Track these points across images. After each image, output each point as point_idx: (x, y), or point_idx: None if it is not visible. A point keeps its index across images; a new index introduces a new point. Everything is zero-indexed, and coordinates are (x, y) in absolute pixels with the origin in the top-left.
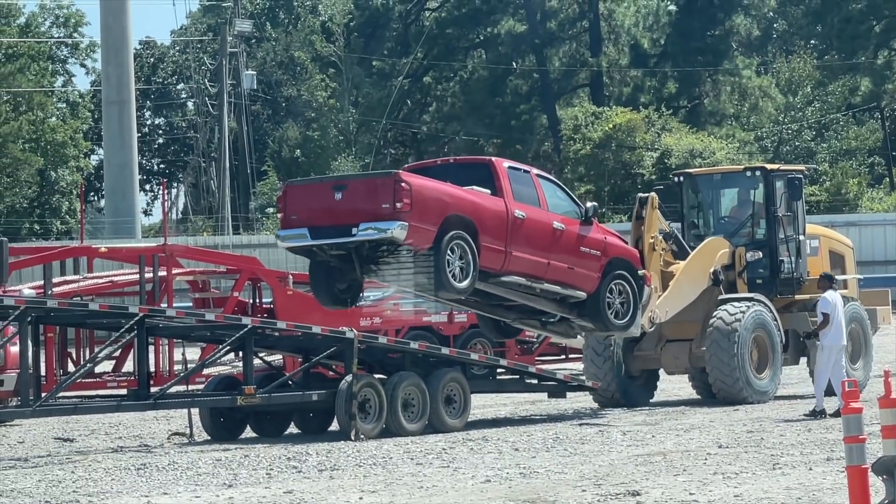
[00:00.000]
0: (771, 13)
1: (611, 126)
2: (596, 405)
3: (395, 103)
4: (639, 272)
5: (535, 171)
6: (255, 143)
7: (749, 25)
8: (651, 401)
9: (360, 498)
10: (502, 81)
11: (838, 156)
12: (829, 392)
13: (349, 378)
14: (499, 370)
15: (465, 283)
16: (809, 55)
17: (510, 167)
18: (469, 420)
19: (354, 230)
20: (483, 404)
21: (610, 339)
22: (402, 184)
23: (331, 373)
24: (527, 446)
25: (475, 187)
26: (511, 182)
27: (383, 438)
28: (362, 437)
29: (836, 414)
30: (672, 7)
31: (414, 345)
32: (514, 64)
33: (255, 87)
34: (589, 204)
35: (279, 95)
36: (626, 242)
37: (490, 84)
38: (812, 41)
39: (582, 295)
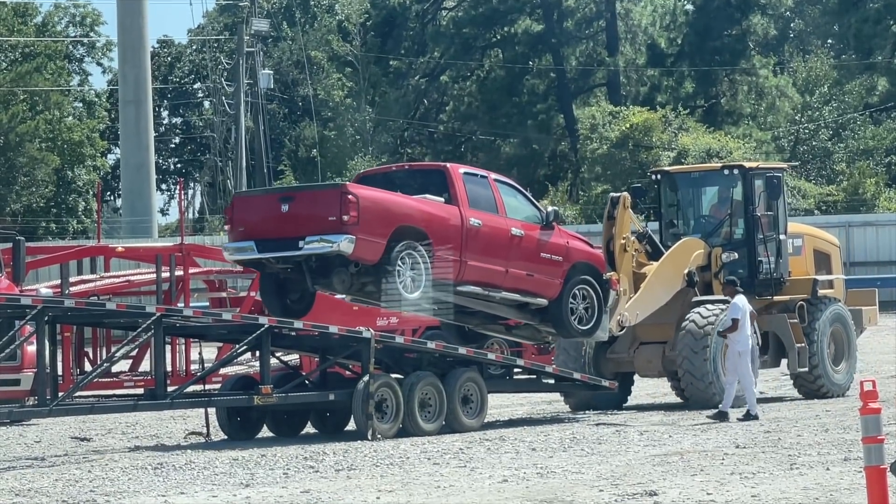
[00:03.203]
0: (788, 13)
1: (628, 126)
2: (579, 408)
3: (411, 103)
4: (604, 276)
5: (493, 175)
6: (271, 143)
7: (766, 25)
8: (626, 404)
9: (378, 498)
10: (519, 81)
11: (855, 156)
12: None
13: (366, 378)
14: (515, 370)
15: (416, 295)
16: (826, 55)
17: (466, 173)
18: (486, 420)
19: (301, 243)
20: (500, 404)
21: (581, 342)
22: (349, 196)
23: (348, 372)
24: (544, 446)
25: (428, 196)
26: (467, 188)
27: (400, 438)
28: (379, 436)
29: (745, 418)
30: (689, 7)
31: (431, 344)
32: (530, 63)
33: (272, 87)
34: (550, 208)
35: (296, 95)
36: (592, 245)
37: (507, 83)
38: (829, 41)
39: (543, 302)
